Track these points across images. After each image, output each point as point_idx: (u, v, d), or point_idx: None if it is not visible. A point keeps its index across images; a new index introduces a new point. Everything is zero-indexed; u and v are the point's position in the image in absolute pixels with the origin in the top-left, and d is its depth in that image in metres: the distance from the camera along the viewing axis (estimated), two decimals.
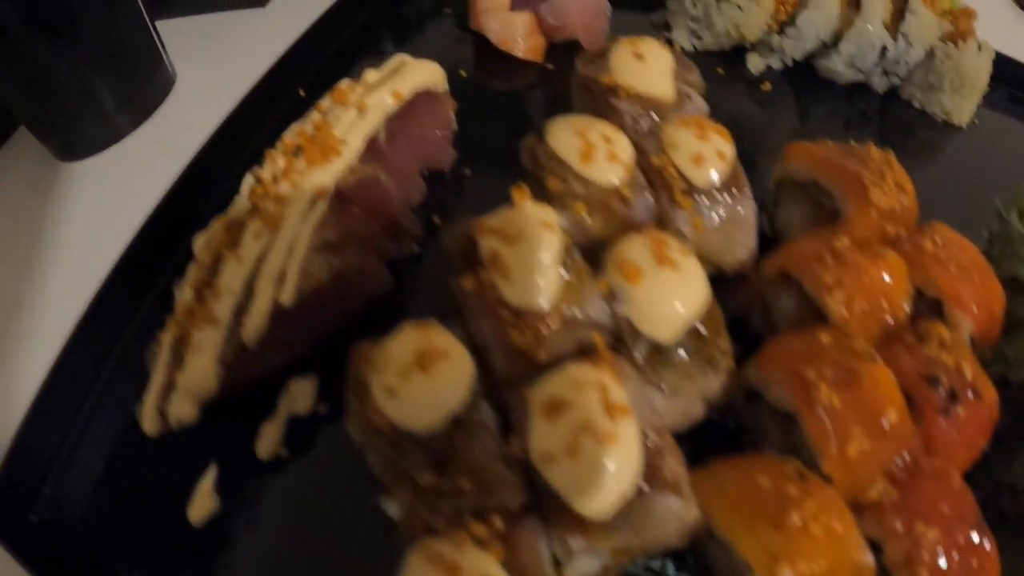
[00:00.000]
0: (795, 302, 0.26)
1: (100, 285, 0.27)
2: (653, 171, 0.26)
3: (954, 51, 0.44)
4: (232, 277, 0.25)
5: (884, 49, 0.44)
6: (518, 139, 0.29)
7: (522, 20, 0.39)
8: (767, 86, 0.42)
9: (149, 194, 0.32)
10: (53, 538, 0.24)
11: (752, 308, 0.28)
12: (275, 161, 0.27)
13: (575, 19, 0.39)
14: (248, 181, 0.28)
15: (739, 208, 0.26)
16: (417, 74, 0.31)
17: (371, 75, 0.31)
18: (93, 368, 0.27)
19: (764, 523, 0.20)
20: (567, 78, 0.34)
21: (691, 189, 0.26)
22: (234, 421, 0.25)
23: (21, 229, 0.32)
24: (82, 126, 0.34)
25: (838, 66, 0.45)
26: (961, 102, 0.45)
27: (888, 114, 0.45)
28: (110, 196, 0.33)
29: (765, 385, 0.23)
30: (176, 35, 0.39)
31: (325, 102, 0.29)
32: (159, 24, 0.37)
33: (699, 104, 0.30)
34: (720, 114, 0.35)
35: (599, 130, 0.26)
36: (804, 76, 0.44)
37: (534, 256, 0.23)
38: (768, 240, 0.31)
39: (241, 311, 0.24)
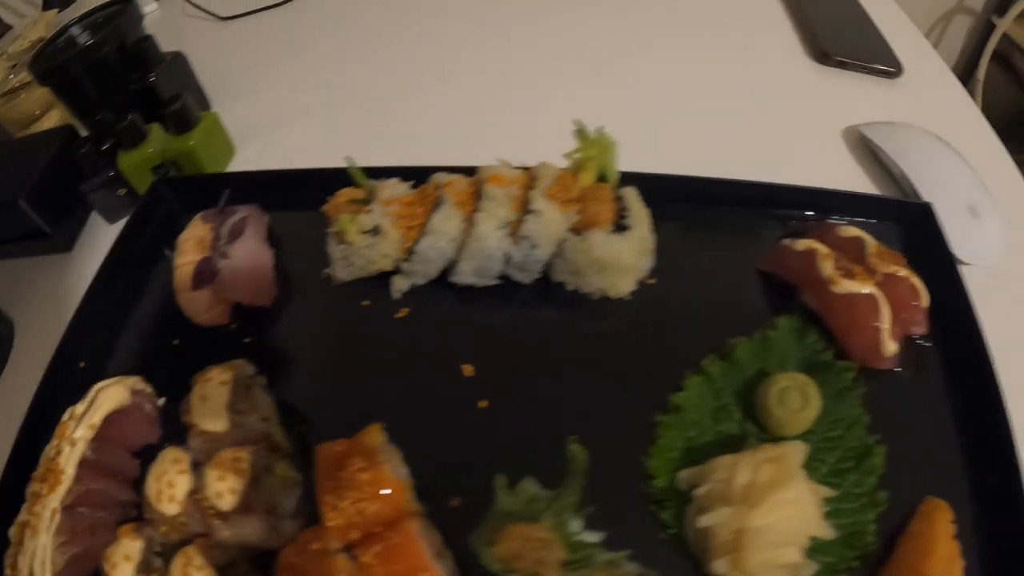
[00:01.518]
0: None
1: None
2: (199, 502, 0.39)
3: (582, 244, 0.45)
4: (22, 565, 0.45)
5: (509, 255, 0.47)
6: None
7: (202, 296, 0.50)
8: (403, 313, 0.48)
9: None
10: None
11: None
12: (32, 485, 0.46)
13: (239, 292, 0.49)
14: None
15: (248, 523, 0.38)
16: (104, 403, 0.45)
17: (79, 406, 0.46)
18: None
19: None
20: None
21: (220, 515, 0.38)
22: None
23: None
24: None
25: (468, 278, 0.49)
26: (612, 280, 0.47)
27: (545, 301, 0.48)
28: None
29: None
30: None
31: (55, 438, 0.46)
32: None
33: (253, 424, 0.41)
34: (378, 347, 0.45)
35: (166, 477, 0.40)
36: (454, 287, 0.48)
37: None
38: None
39: None
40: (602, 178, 0.46)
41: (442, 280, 0.48)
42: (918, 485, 0.39)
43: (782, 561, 0.35)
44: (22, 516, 0.46)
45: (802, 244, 0.49)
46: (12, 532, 0.46)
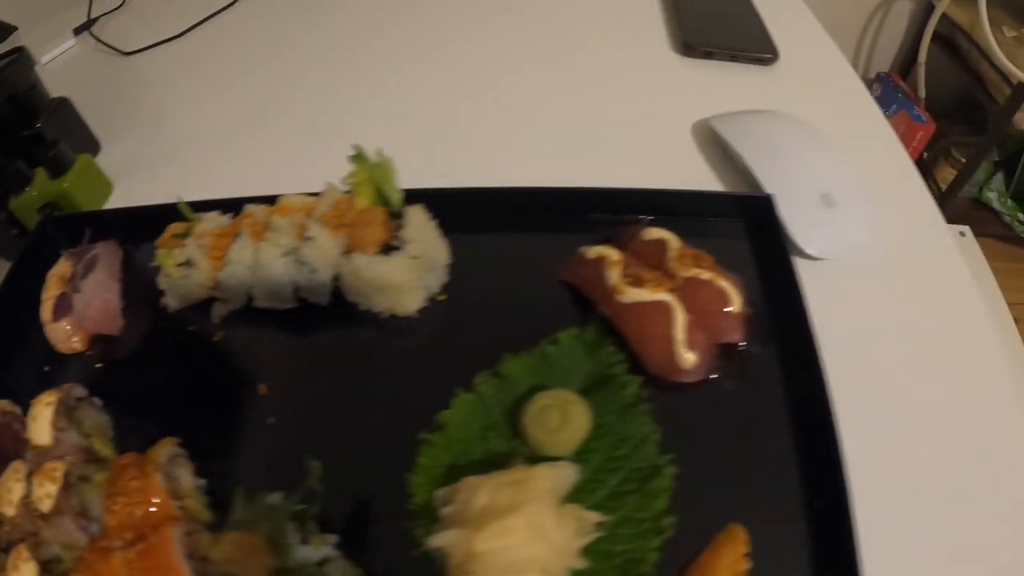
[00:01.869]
0: None
1: None
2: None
3: (348, 266, 0.48)
4: None
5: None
6: None
7: (62, 327, 0.57)
8: (219, 336, 0.53)
9: None
10: None
11: None
12: None
13: (93, 320, 0.56)
14: None
15: (63, 524, 0.44)
16: None
17: None
18: None
19: None
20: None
21: (42, 516, 0.45)
22: None
23: None
24: None
25: (266, 302, 0.53)
26: (393, 299, 0.49)
27: (342, 322, 0.51)
28: None
29: None
30: None
31: None
32: None
33: (72, 439, 0.47)
34: (197, 367, 0.50)
35: (6, 483, 0.46)
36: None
37: None
38: None
39: None
40: (385, 200, 0.50)
41: (252, 305, 0.53)
42: (722, 510, 0.37)
43: None
44: None
45: (593, 251, 0.48)
46: None
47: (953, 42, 1.46)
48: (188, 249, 0.51)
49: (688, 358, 0.42)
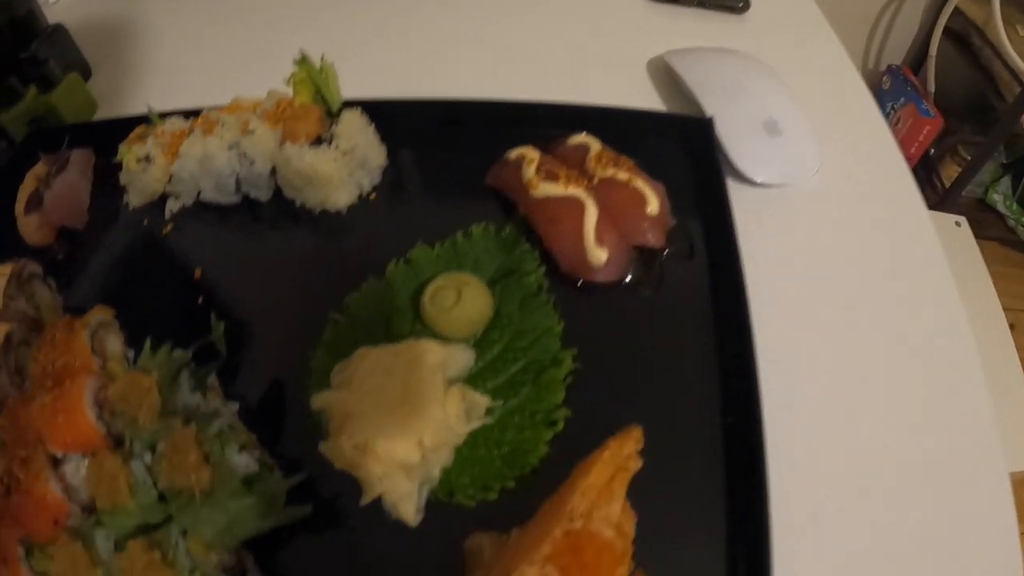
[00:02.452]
0: None
1: None
2: None
3: (280, 156, 0.50)
4: None
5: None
6: None
7: (33, 220, 0.61)
8: (168, 229, 0.56)
9: None
10: None
11: None
12: None
13: (60, 213, 0.60)
14: None
15: None
16: None
17: None
18: None
19: None
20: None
21: None
22: None
23: None
24: None
25: (211, 195, 0.55)
26: (325, 192, 0.51)
27: (279, 216, 0.54)
28: None
29: None
30: None
31: None
32: None
33: (22, 307, 0.50)
34: (148, 259, 0.53)
35: None
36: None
37: None
38: None
39: None
40: (325, 102, 0.52)
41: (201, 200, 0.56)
42: (622, 411, 0.37)
43: (397, 455, 0.35)
44: None
45: (515, 152, 0.49)
46: None
47: (966, 38, 1.43)
48: (147, 146, 0.55)
49: (598, 255, 0.43)
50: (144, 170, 0.55)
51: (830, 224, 0.50)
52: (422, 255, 0.46)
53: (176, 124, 0.57)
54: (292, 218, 0.52)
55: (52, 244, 0.61)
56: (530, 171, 0.47)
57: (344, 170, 0.49)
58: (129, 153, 0.55)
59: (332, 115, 0.52)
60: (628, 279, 0.45)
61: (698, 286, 0.45)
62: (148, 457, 0.39)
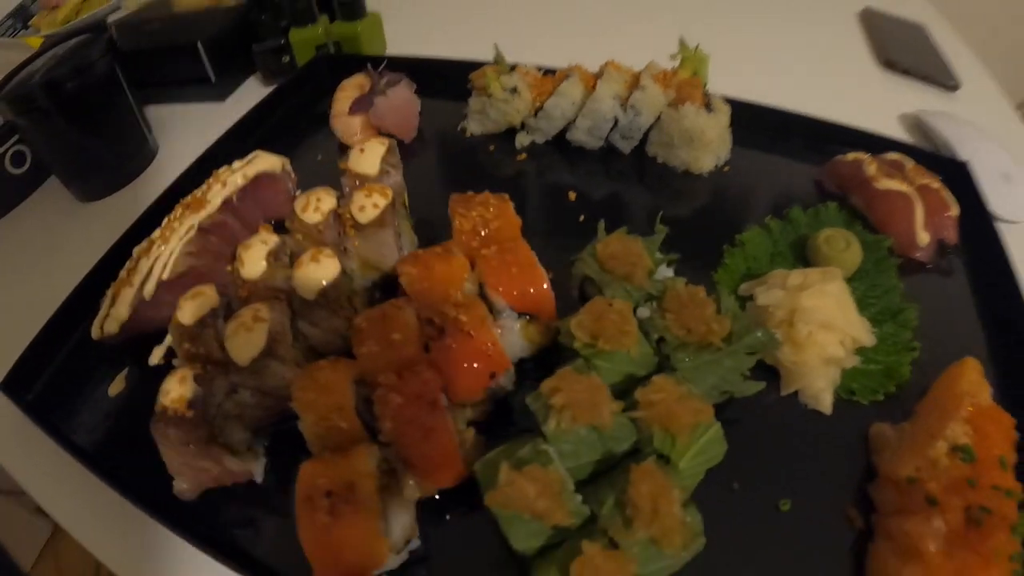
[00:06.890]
0: None
1: (90, 269, 0.52)
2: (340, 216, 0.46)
3: (676, 115, 0.56)
4: (144, 264, 0.49)
5: (617, 120, 0.59)
6: None
7: (356, 122, 0.62)
8: (523, 156, 0.60)
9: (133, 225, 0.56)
10: None
11: None
12: (175, 210, 0.52)
13: (392, 121, 0.61)
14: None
15: (380, 236, 0.44)
16: (260, 163, 0.54)
17: (236, 163, 0.54)
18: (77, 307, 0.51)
19: None
20: None
21: (356, 225, 0.45)
22: (139, 343, 0.48)
23: (54, 243, 0.61)
24: (92, 178, 0.63)
25: (581, 136, 0.60)
26: (696, 155, 0.57)
27: (639, 169, 0.60)
28: (111, 227, 0.55)
29: None
30: (158, 118, 0.69)
31: (209, 179, 0.54)
32: (148, 110, 0.66)
33: (396, 178, 0.49)
34: (499, 177, 0.53)
35: (316, 195, 0.47)
36: (567, 147, 0.60)
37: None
38: None
39: (144, 283, 0.49)
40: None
41: (557, 143, 0.60)
42: (949, 349, 0.44)
43: (827, 350, 0.41)
44: (154, 235, 0.52)
45: (851, 156, 0.57)
46: (138, 248, 0.51)
47: None
48: (514, 78, 0.58)
49: (924, 237, 0.51)
50: (506, 100, 0.57)
51: None
52: (797, 214, 0.53)
53: (531, 72, 0.61)
54: (654, 172, 0.56)
55: None
56: (872, 169, 0.55)
57: (721, 138, 0.55)
58: (496, 82, 0.57)
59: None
60: (929, 265, 0.52)
61: (977, 274, 0.51)
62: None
